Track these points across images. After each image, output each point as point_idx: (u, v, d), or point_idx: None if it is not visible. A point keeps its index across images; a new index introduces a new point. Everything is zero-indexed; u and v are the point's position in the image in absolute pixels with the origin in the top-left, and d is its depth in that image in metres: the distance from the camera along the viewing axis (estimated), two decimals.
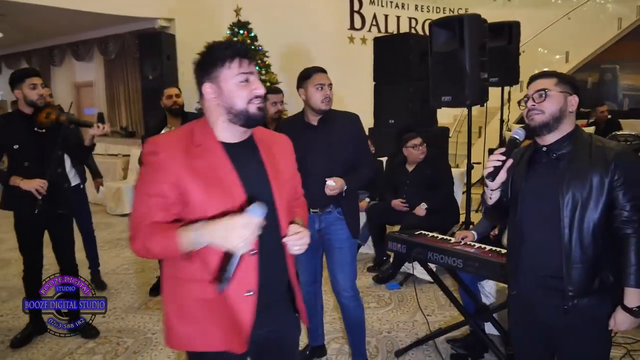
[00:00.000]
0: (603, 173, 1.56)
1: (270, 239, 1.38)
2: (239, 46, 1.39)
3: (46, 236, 3.11)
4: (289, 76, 6.81)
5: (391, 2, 8.55)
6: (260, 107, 1.40)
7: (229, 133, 1.42)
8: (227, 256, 1.24)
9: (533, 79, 1.69)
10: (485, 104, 4.01)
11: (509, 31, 5.06)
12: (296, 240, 1.39)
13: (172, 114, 3.70)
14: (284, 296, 1.55)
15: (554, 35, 7.69)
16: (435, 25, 3.88)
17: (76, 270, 3.21)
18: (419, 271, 4.04)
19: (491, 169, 1.61)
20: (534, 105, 1.63)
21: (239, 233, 1.21)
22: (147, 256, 1.42)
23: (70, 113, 3.14)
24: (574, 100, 1.65)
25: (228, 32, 6.59)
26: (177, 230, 1.30)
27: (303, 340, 3.07)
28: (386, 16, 8.51)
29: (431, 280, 3.96)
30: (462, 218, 4.27)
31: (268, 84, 6.54)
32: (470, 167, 3.96)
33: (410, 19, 8.61)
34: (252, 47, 6.54)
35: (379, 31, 8.36)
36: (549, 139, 1.65)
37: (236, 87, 1.37)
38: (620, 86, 8.16)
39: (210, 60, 1.38)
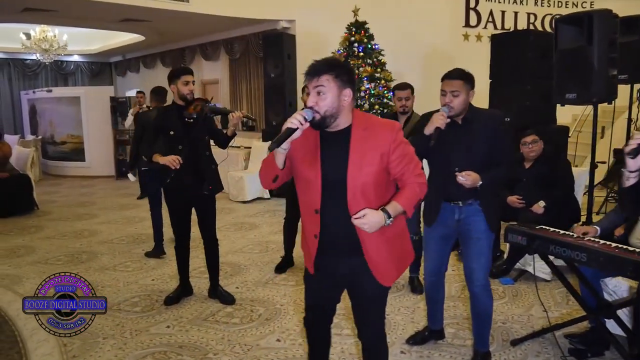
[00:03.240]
0: None
1: (335, 205, 1.85)
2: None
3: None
4: (403, 74, 6.99)
5: None
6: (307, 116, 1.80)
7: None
8: (285, 132, 1.78)
9: None
10: (613, 103, 3.89)
11: None
12: (358, 222, 1.75)
13: None
14: (348, 247, 1.91)
15: None
16: (561, 22, 3.85)
17: (216, 244, 3.67)
18: (535, 268, 4.05)
19: (634, 146, 1.61)
20: None
21: (293, 117, 1.77)
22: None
23: (212, 104, 3.53)
24: None
25: (345, 31, 6.90)
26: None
27: (423, 322, 3.28)
28: (503, 12, 8.32)
29: (547, 278, 3.99)
30: (583, 219, 4.17)
31: (382, 81, 6.78)
32: (594, 166, 3.87)
33: (529, 14, 8.33)
34: (369, 45, 6.80)
35: (495, 28, 8.21)
36: None
37: None
38: None
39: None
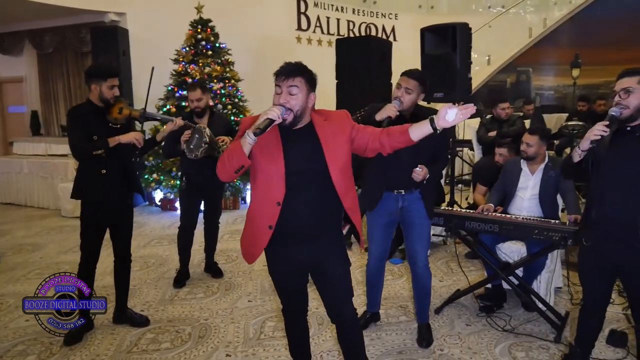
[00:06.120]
0: None
1: (295, 197, 1.93)
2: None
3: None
4: (249, 73, 7.02)
5: (332, 5, 9.05)
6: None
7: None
8: (266, 121, 1.82)
9: (620, 76, 2.07)
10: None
11: None
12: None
13: (196, 116, 3.84)
14: (309, 233, 2.02)
15: (478, 41, 8.70)
16: (427, 31, 4.44)
17: (130, 260, 3.30)
18: None
19: (598, 137, 2.02)
20: (620, 100, 2.04)
21: (272, 110, 1.84)
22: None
23: (142, 108, 3.13)
24: None
25: (190, 29, 6.60)
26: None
27: (362, 307, 3.46)
28: (328, 18, 9.01)
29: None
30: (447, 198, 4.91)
31: (233, 81, 6.70)
32: (455, 153, 4.58)
33: (348, 21, 9.19)
34: (217, 45, 6.64)
35: (322, 32, 8.84)
36: (635, 123, 2.06)
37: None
38: (533, 86, 9.55)
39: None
